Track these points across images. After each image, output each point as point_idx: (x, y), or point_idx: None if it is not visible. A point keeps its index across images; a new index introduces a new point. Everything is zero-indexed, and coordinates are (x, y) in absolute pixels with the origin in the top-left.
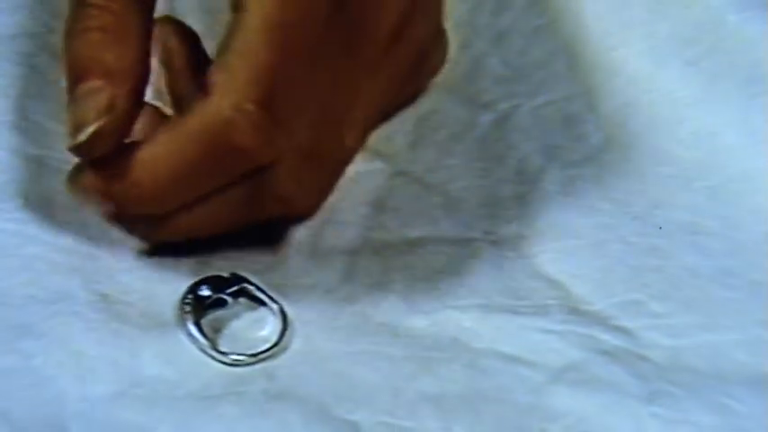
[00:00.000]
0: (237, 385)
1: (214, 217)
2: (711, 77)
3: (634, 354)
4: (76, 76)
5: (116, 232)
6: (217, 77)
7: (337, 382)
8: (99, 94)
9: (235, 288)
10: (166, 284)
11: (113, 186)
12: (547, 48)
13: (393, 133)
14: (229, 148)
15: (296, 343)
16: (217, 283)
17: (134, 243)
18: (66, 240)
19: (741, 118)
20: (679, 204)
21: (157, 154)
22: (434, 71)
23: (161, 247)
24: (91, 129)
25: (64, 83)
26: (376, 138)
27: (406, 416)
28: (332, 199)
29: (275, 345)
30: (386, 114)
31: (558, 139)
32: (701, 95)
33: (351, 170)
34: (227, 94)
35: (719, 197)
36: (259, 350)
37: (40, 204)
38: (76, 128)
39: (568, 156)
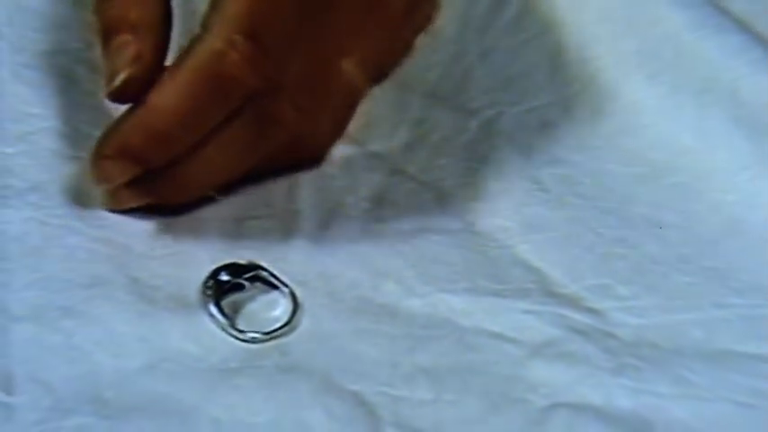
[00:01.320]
0: (253, 360)
1: (223, 158)
2: (671, 89)
3: (603, 331)
4: (108, 34)
5: (145, 224)
6: (209, 19)
7: (342, 356)
8: (127, 47)
9: (251, 274)
10: (190, 270)
11: (130, 139)
12: (528, 61)
13: (391, 136)
14: (223, 79)
15: (305, 322)
16: (235, 269)
17: (162, 226)
18: (103, 232)
19: (696, 124)
20: (643, 200)
21: (163, 95)
22: (424, 24)
23: (189, 233)
24: (122, 76)
25: (100, 93)
26: (376, 140)
27: (402, 386)
28: (336, 195)
29: (286, 324)
30: (380, 70)
31: (536, 142)
32: (662, 104)
33: (353, 170)
34: (219, 30)
35: (679, 194)
36: (272, 329)
37: (79, 201)
38: (111, 77)
39: (546, 157)
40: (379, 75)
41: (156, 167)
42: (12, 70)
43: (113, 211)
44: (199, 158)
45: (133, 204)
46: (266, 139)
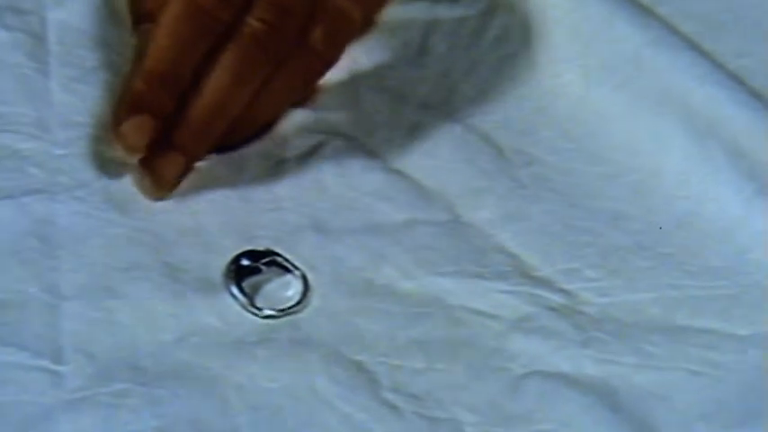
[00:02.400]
0: (269, 334)
1: (226, 89)
2: (631, 99)
3: (572, 309)
4: (137, 22)
5: (175, 215)
6: None
7: (346, 331)
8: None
9: (267, 259)
10: (215, 256)
11: (135, 91)
12: (508, 75)
13: (389, 140)
14: (198, 14)
15: (314, 301)
16: (253, 255)
17: (190, 217)
18: (139, 223)
19: (653, 130)
20: (607, 195)
21: (154, 42)
22: None
23: (214, 224)
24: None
25: None
26: (375, 143)
27: (398, 356)
28: (339, 190)
29: (298, 303)
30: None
31: (515, 145)
32: (624, 112)
33: (355, 169)
34: None
35: (638, 190)
36: (286, 306)
37: (118, 195)
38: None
39: (523, 158)
40: (369, 12)
41: (170, 114)
42: (61, 83)
43: (161, 198)
44: (207, 93)
45: (175, 175)
46: (264, 66)
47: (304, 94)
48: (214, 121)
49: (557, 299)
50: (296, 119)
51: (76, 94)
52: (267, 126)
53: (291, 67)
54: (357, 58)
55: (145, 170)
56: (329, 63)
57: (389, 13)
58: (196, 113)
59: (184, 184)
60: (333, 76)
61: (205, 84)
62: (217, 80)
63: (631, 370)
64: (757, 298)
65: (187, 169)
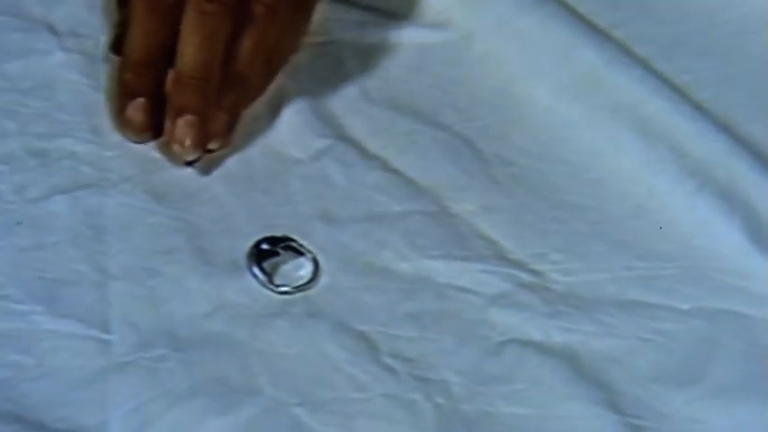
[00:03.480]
0: (286, 307)
1: (196, 43)
2: (591, 109)
3: (542, 286)
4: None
5: (206, 207)
6: None
7: (351, 305)
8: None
9: (284, 244)
10: (240, 241)
11: (123, 78)
12: (489, 88)
13: (386, 143)
14: (155, 5)
15: (324, 280)
16: (272, 240)
17: (219, 208)
18: (176, 213)
19: (610, 135)
20: (571, 190)
21: (129, 37)
22: None
23: (240, 215)
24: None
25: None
26: (375, 146)
27: (395, 327)
28: (345, 185)
29: (310, 281)
30: None
31: (493, 149)
32: (585, 121)
33: (358, 168)
34: None
35: (597, 185)
36: (300, 284)
37: (158, 189)
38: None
39: (499, 160)
40: None
41: (160, 91)
42: None
43: (190, 163)
44: (185, 54)
45: (193, 136)
46: (220, 18)
47: (277, 47)
48: (202, 75)
49: (528, 278)
50: (308, 126)
51: None
52: (265, 83)
53: (255, 23)
54: (359, 75)
55: (166, 141)
56: (274, 9)
57: (388, 37)
58: (183, 74)
59: (214, 181)
60: (340, 90)
61: (180, 50)
62: (185, 41)
63: (591, 337)
64: (698, 278)
65: (203, 129)
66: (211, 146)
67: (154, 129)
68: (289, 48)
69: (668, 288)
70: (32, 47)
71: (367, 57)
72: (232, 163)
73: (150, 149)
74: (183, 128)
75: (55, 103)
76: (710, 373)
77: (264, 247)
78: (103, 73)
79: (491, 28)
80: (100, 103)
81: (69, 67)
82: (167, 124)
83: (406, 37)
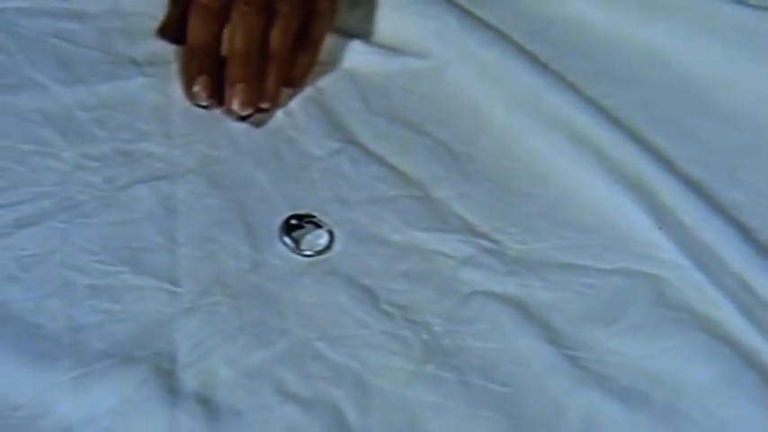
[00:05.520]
0: (309, 267)
1: (239, 31)
2: (535, 121)
3: (500, 252)
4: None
5: (251, 190)
6: None
7: (358, 266)
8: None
9: (307, 219)
10: (275, 217)
11: (190, 58)
12: (458, 104)
13: (386, 146)
14: (206, 5)
15: (337, 247)
16: (299, 216)
17: (258, 191)
18: (227, 194)
19: (551, 142)
20: (523, 181)
21: (189, 29)
22: None
23: (275, 197)
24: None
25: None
26: (375, 148)
27: (391, 282)
28: (353, 176)
29: (327, 248)
30: None
31: (464, 150)
32: (531, 129)
33: (361, 164)
34: None
35: (543, 178)
36: (319, 249)
37: (214, 178)
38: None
39: (469, 158)
40: None
41: (218, 69)
42: (180, 110)
43: (243, 119)
44: (235, 40)
45: (243, 99)
46: (254, 15)
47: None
48: (247, 53)
49: (490, 245)
50: (325, 132)
51: (188, 116)
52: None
53: (281, 17)
54: (363, 94)
55: (226, 105)
56: (293, 6)
57: (385, 64)
58: (235, 52)
59: (256, 172)
60: (349, 105)
61: (229, 39)
62: (233, 30)
63: (537, 291)
64: (616, 247)
65: (250, 93)
66: (262, 105)
67: (216, 97)
68: (318, 31)
69: (595, 254)
70: (118, 73)
71: (369, 79)
72: (270, 158)
73: (209, 147)
74: (235, 93)
75: (136, 115)
76: (626, 317)
77: (293, 221)
78: (174, 92)
79: (461, 59)
80: (171, 115)
81: (147, 88)
82: (226, 92)
83: (399, 64)
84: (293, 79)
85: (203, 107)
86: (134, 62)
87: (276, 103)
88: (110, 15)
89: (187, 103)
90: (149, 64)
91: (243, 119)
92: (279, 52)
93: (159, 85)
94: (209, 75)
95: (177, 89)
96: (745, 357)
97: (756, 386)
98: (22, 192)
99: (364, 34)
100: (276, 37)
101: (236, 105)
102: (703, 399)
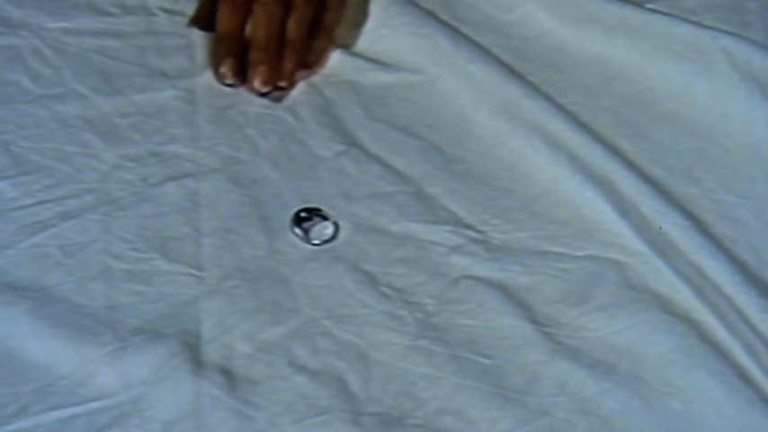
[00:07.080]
0: (317, 254)
1: (262, 21)
2: (515, 127)
3: (484, 241)
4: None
5: (265, 187)
6: None
7: (360, 253)
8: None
9: (316, 212)
10: (286, 210)
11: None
12: (448, 111)
13: (384, 147)
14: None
15: (341, 236)
16: (308, 210)
17: (274, 190)
18: (245, 191)
19: (527, 143)
20: (504, 179)
21: (219, 18)
22: None
23: (287, 194)
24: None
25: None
26: (374, 149)
27: (389, 267)
28: (356, 175)
29: (333, 238)
30: None
31: (453, 152)
32: (511, 133)
33: (363, 163)
34: None
35: (521, 176)
36: (325, 239)
37: (233, 176)
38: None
39: (457, 159)
40: None
41: (242, 53)
42: (204, 116)
43: (264, 95)
44: (257, 27)
45: (264, 78)
46: (275, 6)
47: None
48: (267, 39)
49: (476, 235)
50: (331, 136)
51: (212, 121)
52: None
53: (296, 8)
54: (365, 103)
55: (249, 83)
56: None
57: (384, 77)
58: (257, 38)
59: (270, 171)
60: (353, 112)
61: (253, 27)
62: (255, 20)
63: (518, 275)
64: (586, 236)
65: (270, 73)
66: (280, 84)
67: (240, 76)
68: (330, 20)
69: (567, 243)
70: (152, 85)
71: (370, 90)
72: (283, 159)
73: (230, 149)
74: (257, 73)
75: (167, 121)
76: (595, 297)
77: (303, 214)
78: (201, 103)
79: (450, 72)
80: (196, 120)
81: (177, 99)
82: (249, 73)
83: (396, 77)
84: (309, 62)
85: (229, 86)
86: (166, 75)
87: (293, 83)
88: (145, 34)
89: (211, 111)
90: (179, 77)
91: (263, 95)
92: (295, 38)
93: (187, 95)
94: (235, 57)
95: (203, 98)
96: (699, 333)
97: (708, 358)
98: (66, 188)
99: (366, 51)
100: (293, 25)
101: (257, 84)
102: (662, 369)
